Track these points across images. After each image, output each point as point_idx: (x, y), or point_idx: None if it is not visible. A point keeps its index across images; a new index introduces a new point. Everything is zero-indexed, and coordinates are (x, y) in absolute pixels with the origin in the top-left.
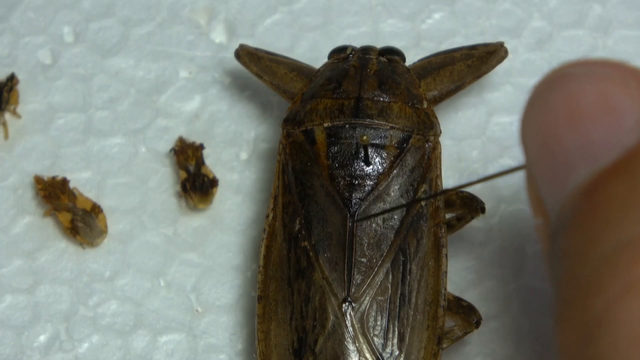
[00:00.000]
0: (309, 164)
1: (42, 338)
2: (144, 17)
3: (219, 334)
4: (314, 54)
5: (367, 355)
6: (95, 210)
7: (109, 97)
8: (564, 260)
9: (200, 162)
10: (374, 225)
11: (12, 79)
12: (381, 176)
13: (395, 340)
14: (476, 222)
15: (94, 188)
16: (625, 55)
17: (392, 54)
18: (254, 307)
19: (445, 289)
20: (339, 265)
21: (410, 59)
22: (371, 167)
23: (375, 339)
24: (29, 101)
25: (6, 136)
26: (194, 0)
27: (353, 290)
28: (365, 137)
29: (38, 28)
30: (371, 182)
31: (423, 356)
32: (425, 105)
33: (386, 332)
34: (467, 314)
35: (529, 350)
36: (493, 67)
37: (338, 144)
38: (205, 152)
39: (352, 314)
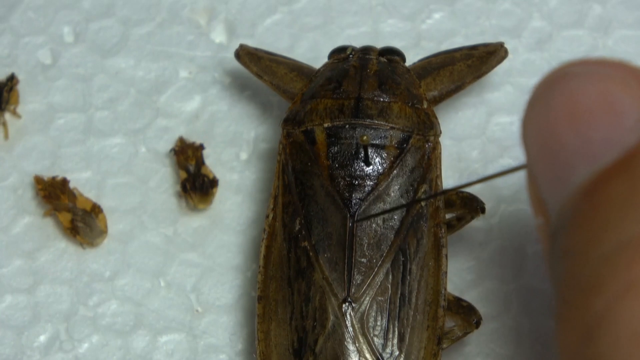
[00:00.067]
0: (309, 164)
1: (42, 338)
2: (144, 17)
3: (219, 334)
4: (314, 54)
5: (367, 355)
6: (95, 210)
7: (109, 97)
8: (564, 260)
9: (200, 162)
10: (374, 225)
11: (12, 79)
12: (381, 176)
13: (395, 341)
14: (476, 222)
15: (94, 188)
16: (625, 55)
17: (392, 54)
18: (254, 307)
19: (445, 289)
20: (339, 266)
21: (410, 59)
22: (371, 167)
23: (375, 339)
24: (29, 101)
25: (6, 136)
26: (194, 0)
27: (353, 290)
28: (365, 137)
29: (38, 28)
30: (371, 182)
31: (423, 356)
32: (425, 106)
33: (386, 332)
34: (467, 314)
35: (529, 350)
36: (493, 67)
37: (338, 144)
38: (205, 152)
39: (352, 314)
